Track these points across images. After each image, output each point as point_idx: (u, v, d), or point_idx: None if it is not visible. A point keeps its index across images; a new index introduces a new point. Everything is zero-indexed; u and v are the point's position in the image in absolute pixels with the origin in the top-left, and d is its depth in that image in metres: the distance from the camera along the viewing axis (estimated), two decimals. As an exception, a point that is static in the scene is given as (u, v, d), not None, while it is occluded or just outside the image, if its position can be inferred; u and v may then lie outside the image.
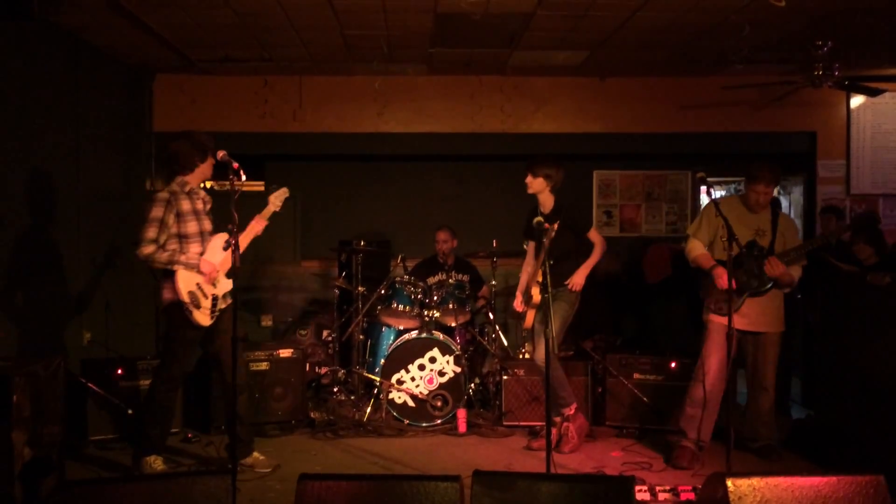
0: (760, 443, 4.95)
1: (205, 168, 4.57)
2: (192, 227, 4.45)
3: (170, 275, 4.41)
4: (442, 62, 6.94)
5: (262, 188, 8.05)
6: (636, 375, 5.55)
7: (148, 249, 4.32)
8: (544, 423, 4.28)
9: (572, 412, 5.08)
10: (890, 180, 7.65)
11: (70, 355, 5.25)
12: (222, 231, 4.52)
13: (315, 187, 7.86)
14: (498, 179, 7.90)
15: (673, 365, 5.48)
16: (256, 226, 4.67)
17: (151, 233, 4.34)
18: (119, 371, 5.26)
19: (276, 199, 4.69)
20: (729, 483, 2.92)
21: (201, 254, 4.47)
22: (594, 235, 5.14)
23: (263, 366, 5.59)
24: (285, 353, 5.68)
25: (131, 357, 5.51)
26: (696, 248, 4.90)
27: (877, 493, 2.91)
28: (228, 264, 4.52)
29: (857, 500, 2.90)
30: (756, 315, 4.77)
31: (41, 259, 5.33)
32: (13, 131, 5.07)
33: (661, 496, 3.94)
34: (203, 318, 4.45)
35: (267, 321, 7.44)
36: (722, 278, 4.59)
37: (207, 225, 4.58)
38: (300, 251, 7.61)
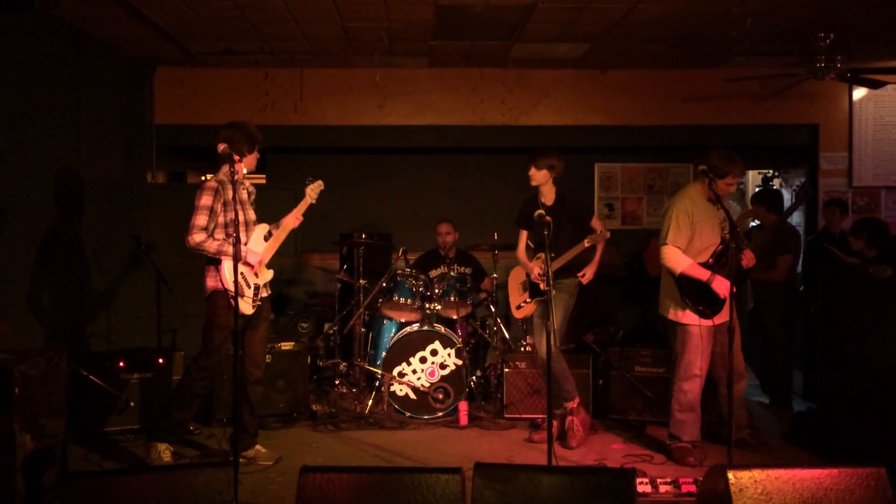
0: (748, 431, 4.91)
1: (251, 159, 4.58)
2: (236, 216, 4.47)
3: (215, 263, 4.43)
4: (443, 54, 6.92)
5: (264, 181, 8.07)
6: (637, 368, 5.56)
7: (199, 237, 4.32)
8: (545, 416, 4.29)
9: (575, 405, 5.08)
10: (892, 172, 7.63)
11: (72, 348, 5.26)
12: (264, 221, 4.66)
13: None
14: (499, 172, 7.89)
15: (674, 357, 5.48)
16: (294, 221, 4.72)
17: (202, 220, 4.34)
18: (121, 364, 5.26)
19: (312, 192, 4.73)
20: (730, 475, 2.92)
21: (245, 243, 4.48)
22: (596, 223, 5.13)
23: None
24: (287, 345, 5.69)
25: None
26: (683, 260, 4.58)
27: (878, 486, 2.91)
28: (270, 254, 4.63)
29: (858, 493, 2.90)
30: (726, 306, 4.59)
31: (42, 251, 5.33)
32: (14, 123, 5.07)
33: (663, 488, 3.94)
34: (246, 307, 4.45)
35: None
36: (724, 287, 4.44)
37: (251, 215, 4.62)
38: (301, 244, 7.60)
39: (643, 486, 3.91)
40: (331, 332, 6.57)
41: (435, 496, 2.81)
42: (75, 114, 5.85)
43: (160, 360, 5.39)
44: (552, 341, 4.10)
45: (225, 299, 4.40)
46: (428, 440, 5.25)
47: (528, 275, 5.18)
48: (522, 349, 6.04)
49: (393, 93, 7.45)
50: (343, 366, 6.23)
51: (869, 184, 7.60)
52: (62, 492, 2.99)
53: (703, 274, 4.54)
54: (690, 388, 4.65)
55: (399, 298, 6.05)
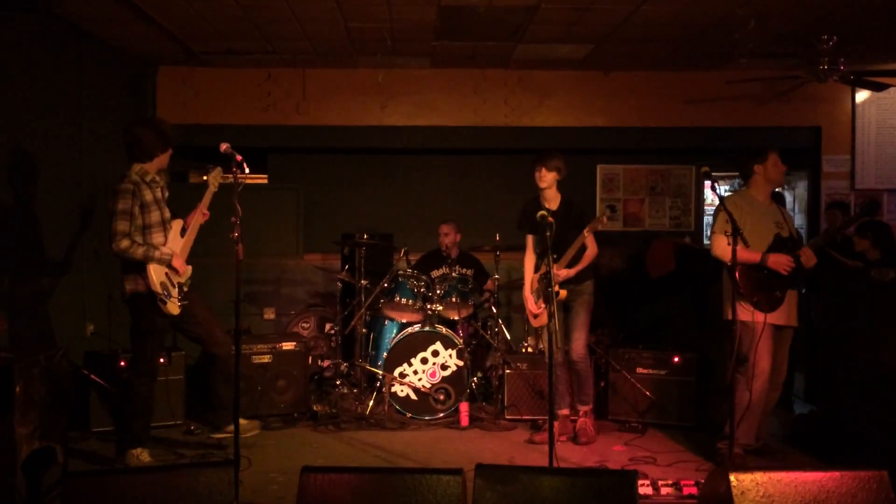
0: (763, 441, 4.88)
1: (163, 158, 4.59)
2: (154, 216, 4.47)
3: (136, 267, 4.42)
4: (446, 55, 6.92)
5: (266, 181, 8.07)
6: (639, 370, 5.55)
7: (124, 243, 4.32)
8: (547, 417, 4.28)
9: (589, 409, 5.13)
10: (894, 175, 7.62)
11: (73, 347, 5.25)
12: (178, 217, 4.68)
13: (318, 180, 7.87)
14: (501, 173, 7.89)
15: (676, 359, 5.47)
16: (201, 217, 4.70)
17: (123, 226, 4.33)
18: (122, 363, 5.26)
19: (214, 180, 4.72)
20: (732, 478, 2.92)
21: (163, 243, 4.52)
22: (590, 240, 5.01)
23: (266, 358, 5.60)
24: (288, 345, 5.69)
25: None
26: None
27: (880, 489, 2.91)
28: (187, 251, 4.64)
29: (860, 496, 2.89)
30: (790, 310, 4.56)
31: (44, 251, 5.33)
32: (16, 123, 5.07)
33: (664, 490, 3.94)
34: (174, 307, 4.51)
35: (270, 314, 7.45)
36: (783, 262, 4.40)
37: (167, 213, 4.62)
38: (303, 244, 7.61)
39: (644, 489, 3.91)
40: (332, 332, 6.56)
41: (436, 497, 2.81)
42: (77, 113, 5.85)
43: (161, 360, 5.37)
44: (555, 342, 4.11)
45: (147, 301, 4.43)
46: (429, 441, 5.25)
47: (539, 282, 5.08)
48: (523, 350, 6.04)
49: (395, 93, 7.45)
50: (344, 366, 6.23)
51: (871, 186, 7.58)
52: (63, 491, 2.98)
53: (755, 255, 4.49)
54: (754, 388, 4.46)
55: (400, 299, 6.04)
